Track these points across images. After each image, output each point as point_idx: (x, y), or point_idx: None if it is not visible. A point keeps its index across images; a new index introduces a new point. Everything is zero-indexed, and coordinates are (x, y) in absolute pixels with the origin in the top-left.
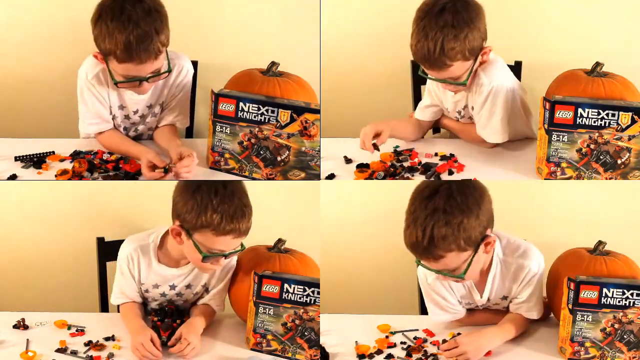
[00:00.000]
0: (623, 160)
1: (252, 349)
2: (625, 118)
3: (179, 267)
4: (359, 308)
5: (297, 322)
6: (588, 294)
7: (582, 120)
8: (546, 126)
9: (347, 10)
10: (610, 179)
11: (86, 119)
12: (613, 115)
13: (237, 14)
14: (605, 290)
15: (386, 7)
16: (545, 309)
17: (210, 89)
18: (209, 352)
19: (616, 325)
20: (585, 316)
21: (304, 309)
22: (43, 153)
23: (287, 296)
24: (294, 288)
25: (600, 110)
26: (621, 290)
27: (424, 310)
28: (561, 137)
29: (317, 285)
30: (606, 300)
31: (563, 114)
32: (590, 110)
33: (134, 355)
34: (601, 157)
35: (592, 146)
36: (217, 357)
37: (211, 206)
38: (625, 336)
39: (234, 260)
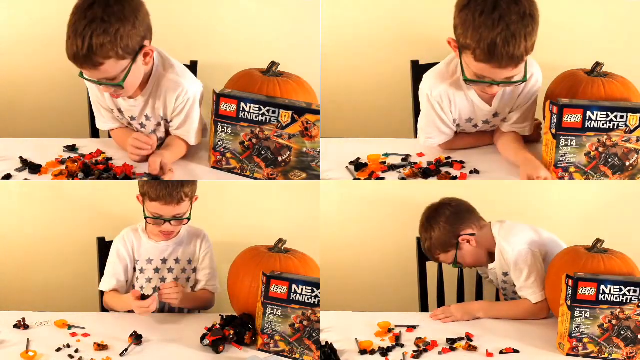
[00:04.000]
0: (631, 162)
1: (259, 350)
2: (633, 119)
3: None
4: (359, 307)
5: (304, 323)
6: (586, 291)
7: (590, 124)
8: (554, 131)
9: (347, 11)
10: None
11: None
12: (622, 117)
13: (237, 14)
14: (602, 287)
15: (386, 7)
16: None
17: (212, 89)
18: (210, 351)
19: (614, 322)
20: (584, 312)
21: (312, 310)
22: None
23: (295, 297)
24: (302, 289)
25: (609, 113)
26: (618, 287)
27: (424, 308)
28: (570, 141)
29: (318, 286)
30: (604, 297)
31: (571, 118)
32: (599, 112)
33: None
34: (609, 159)
35: (600, 149)
36: (219, 357)
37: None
38: (622, 332)
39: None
